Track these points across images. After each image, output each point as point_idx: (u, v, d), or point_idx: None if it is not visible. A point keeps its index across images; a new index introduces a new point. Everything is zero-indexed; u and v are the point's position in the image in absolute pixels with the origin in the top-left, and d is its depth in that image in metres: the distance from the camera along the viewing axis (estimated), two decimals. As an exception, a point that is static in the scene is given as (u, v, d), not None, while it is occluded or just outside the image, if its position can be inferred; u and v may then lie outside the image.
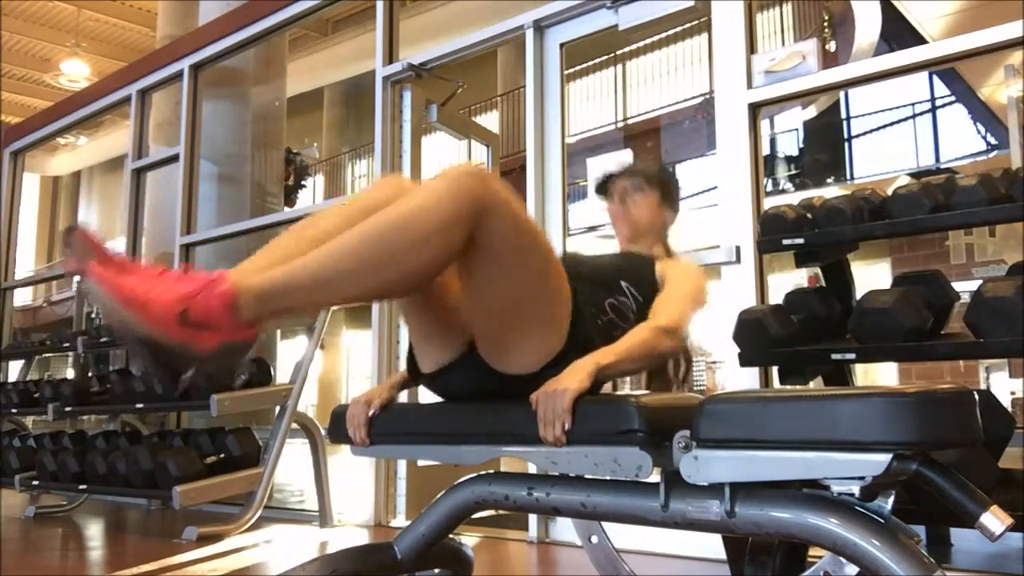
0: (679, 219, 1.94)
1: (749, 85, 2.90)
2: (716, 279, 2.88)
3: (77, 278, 1.08)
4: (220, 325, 1.11)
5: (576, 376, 1.26)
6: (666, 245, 1.88)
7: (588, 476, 1.29)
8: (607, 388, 1.43)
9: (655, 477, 1.20)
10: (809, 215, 2.33)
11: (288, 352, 5.80)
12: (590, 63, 11.16)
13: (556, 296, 1.37)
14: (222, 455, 3.45)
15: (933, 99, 9.62)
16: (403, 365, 1.66)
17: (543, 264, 1.34)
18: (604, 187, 1.89)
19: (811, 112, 9.85)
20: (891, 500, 1.04)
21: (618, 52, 11.03)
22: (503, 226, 1.24)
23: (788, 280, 6.06)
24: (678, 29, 9.99)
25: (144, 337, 1.08)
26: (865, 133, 10.02)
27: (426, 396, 1.57)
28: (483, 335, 1.37)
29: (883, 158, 9.80)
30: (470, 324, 1.37)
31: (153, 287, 1.10)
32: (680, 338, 1.52)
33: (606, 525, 1.66)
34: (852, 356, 2.11)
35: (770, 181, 9.98)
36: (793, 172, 10.22)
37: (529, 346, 1.35)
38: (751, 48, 2.95)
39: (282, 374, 4.06)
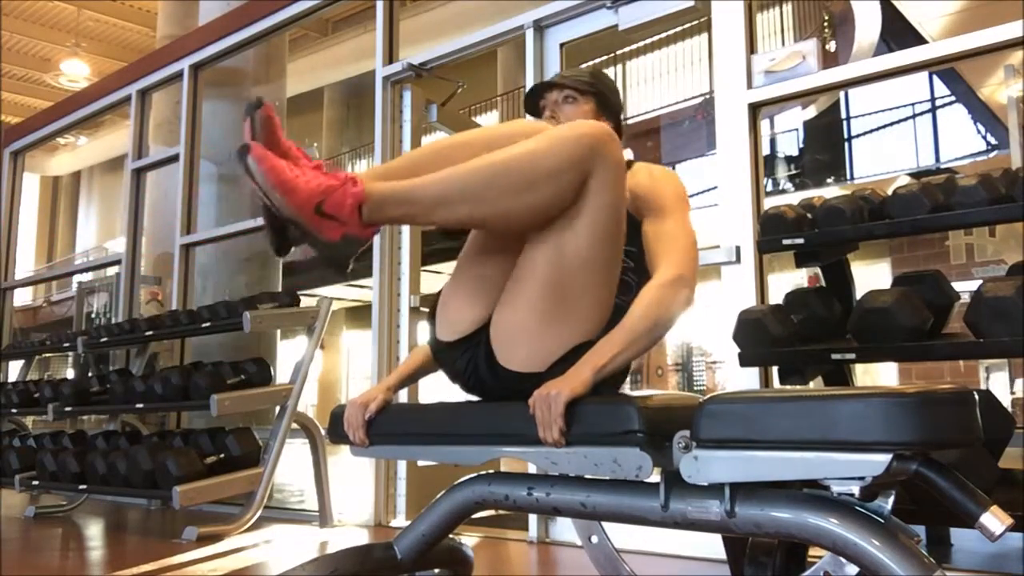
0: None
1: (749, 85, 2.90)
2: (716, 279, 2.88)
3: (239, 153, 1.23)
4: (346, 221, 1.25)
5: (570, 382, 1.26)
6: None
7: (588, 476, 1.29)
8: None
9: (655, 477, 1.20)
10: (809, 215, 2.33)
11: (288, 352, 5.80)
12: (590, 63, 11.16)
13: (598, 293, 1.37)
14: (222, 455, 3.45)
15: (933, 99, 9.62)
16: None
17: (611, 253, 1.36)
18: (533, 104, 1.69)
19: (811, 112, 9.86)
20: (891, 500, 1.04)
21: (618, 52, 11.03)
22: (603, 186, 1.30)
23: (788, 280, 6.06)
24: (678, 29, 10.00)
25: (285, 216, 1.24)
26: (865, 133, 10.02)
27: (426, 396, 1.57)
28: (506, 307, 1.36)
29: (883, 158, 9.80)
30: (505, 289, 1.37)
31: (302, 174, 1.24)
32: (693, 281, 1.41)
33: (606, 525, 1.66)
34: (852, 356, 2.11)
35: (770, 181, 9.98)
36: (793, 172, 10.22)
37: (539, 339, 1.34)
38: (751, 48, 2.95)
39: (282, 374, 4.06)
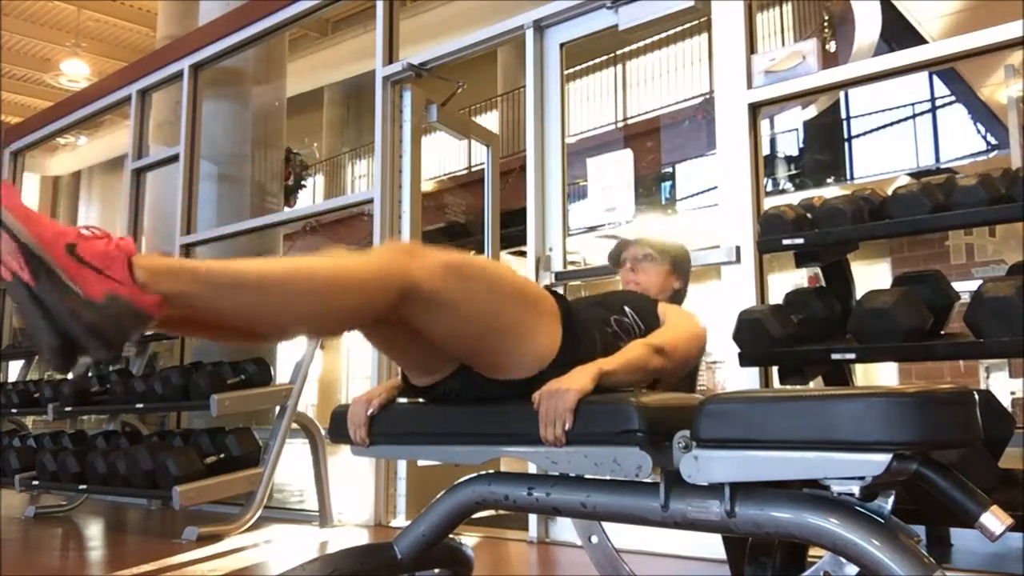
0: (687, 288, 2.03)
1: (749, 85, 2.90)
2: (716, 279, 2.88)
3: None
4: (110, 272, 1.03)
5: (579, 379, 1.27)
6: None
7: (588, 476, 1.29)
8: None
9: (655, 477, 1.20)
10: (809, 215, 2.32)
11: (288, 352, 5.79)
12: (590, 63, 11.15)
13: (532, 309, 1.36)
14: (222, 455, 3.45)
15: (933, 99, 9.61)
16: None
17: (500, 297, 1.33)
18: (617, 255, 2.02)
19: (811, 112, 9.85)
20: (891, 500, 1.04)
21: (618, 52, 11.02)
22: (438, 293, 1.23)
23: (788, 280, 6.06)
24: (678, 29, 9.99)
25: (25, 246, 0.98)
26: (865, 133, 10.01)
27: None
28: (470, 358, 1.37)
29: (883, 158, 9.79)
30: (455, 347, 1.36)
31: (50, 221, 1.03)
32: (671, 360, 1.54)
33: (606, 525, 1.66)
34: (852, 356, 2.11)
35: (770, 181, 9.97)
36: (793, 172, 10.21)
37: (521, 356, 1.35)
38: (751, 48, 2.95)
39: (282, 374, 4.06)
